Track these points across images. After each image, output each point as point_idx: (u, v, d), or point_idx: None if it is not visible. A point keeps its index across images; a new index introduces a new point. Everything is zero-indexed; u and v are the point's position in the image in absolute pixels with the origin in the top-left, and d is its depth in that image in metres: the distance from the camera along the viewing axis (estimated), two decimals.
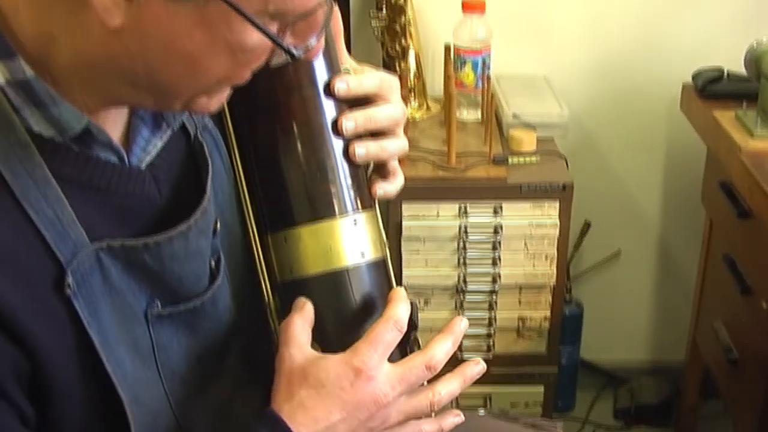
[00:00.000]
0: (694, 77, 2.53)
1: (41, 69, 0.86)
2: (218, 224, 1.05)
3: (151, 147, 0.99)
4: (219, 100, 0.95)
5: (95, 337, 0.90)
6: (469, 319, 2.33)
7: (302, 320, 1.03)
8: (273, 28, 0.85)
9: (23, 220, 0.86)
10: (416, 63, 2.61)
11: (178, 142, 1.04)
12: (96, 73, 0.87)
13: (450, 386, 1.06)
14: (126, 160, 0.96)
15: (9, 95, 0.86)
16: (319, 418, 0.98)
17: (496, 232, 2.31)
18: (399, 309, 1.03)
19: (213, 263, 1.05)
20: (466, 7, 2.54)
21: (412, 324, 1.06)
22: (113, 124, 0.95)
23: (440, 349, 1.04)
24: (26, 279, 0.85)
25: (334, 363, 0.99)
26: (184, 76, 0.87)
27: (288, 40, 0.88)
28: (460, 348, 2.34)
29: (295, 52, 0.88)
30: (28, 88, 0.86)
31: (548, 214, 2.31)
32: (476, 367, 1.09)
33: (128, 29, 0.81)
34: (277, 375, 1.01)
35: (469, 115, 2.60)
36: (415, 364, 1.02)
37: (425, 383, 1.06)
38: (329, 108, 1.03)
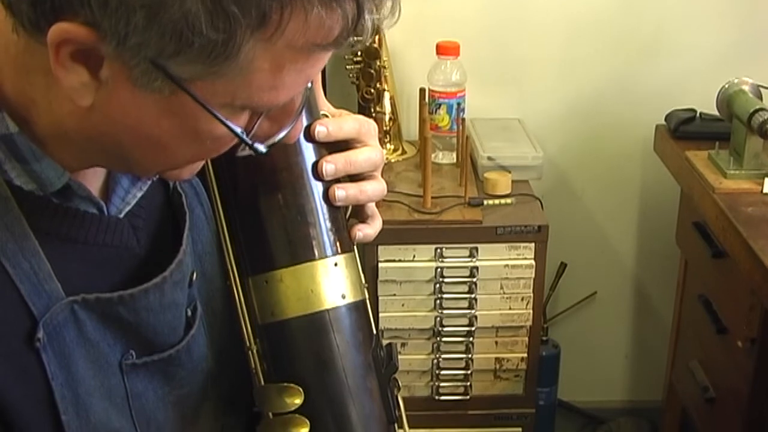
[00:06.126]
0: (667, 118, 2.56)
1: (24, 125, 0.85)
2: (194, 274, 1.04)
3: (130, 197, 0.98)
4: (191, 170, 0.95)
5: (57, 390, 0.89)
6: (446, 361, 2.36)
7: None
8: (244, 115, 0.84)
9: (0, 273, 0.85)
10: (391, 106, 2.62)
11: (157, 190, 1.03)
12: (72, 141, 0.86)
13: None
14: (105, 210, 0.95)
15: None
16: None
17: (472, 274, 2.32)
18: None
19: (189, 313, 1.04)
20: (440, 51, 2.57)
21: (392, 366, 1.06)
22: (93, 174, 0.95)
23: None
24: None
25: None
26: (153, 156, 0.87)
27: (263, 125, 0.87)
28: (437, 391, 2.37)
29: (262, 148, 0.87)
30: (11, 143, 0.85)
31: (524, 255, 2.32)
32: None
33: (98, 109, 0.80)
34: None
35: (444, 158, 2.62)
36: None
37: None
38: (309, 152, 1.04)
